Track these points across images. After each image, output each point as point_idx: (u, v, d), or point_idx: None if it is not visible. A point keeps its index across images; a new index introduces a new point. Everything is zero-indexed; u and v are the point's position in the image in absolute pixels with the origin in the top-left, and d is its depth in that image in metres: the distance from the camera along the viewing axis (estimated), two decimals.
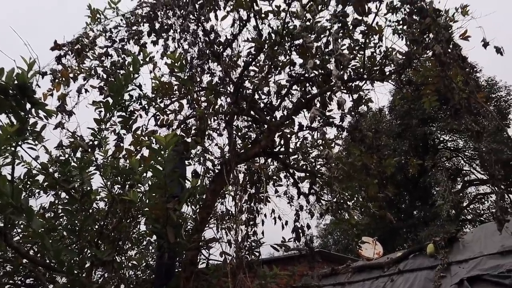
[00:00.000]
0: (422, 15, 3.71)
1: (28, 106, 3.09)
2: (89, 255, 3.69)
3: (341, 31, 4.04)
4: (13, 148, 3.11)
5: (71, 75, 4.41)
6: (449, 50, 3.65)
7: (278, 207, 5.56)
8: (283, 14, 4.61)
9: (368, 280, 7.38)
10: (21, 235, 4.08)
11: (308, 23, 3.96)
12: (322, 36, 4.12)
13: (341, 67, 3.40)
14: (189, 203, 3.91)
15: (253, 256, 4.41)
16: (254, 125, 5.50)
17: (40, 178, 3.81)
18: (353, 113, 4.70)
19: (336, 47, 3.03)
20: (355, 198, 5.65)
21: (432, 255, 6.25)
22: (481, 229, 6.18)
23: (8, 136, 2.79)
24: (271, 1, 4.49)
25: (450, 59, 3.67)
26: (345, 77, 4.76)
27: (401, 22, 4.39)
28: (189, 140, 4.64)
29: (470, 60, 4.01)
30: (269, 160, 5.66)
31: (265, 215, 5.23)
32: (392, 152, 18.98)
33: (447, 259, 5.85)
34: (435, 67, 4.52)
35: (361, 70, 4.80)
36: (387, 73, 4.91)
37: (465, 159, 23.84)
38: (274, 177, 5.83)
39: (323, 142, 5.30)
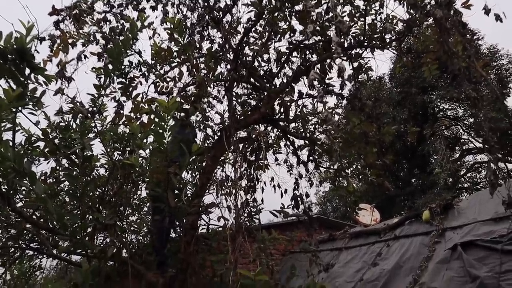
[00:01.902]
0: None
1: (27, 71, 3.08)
2: (91, 219, 3.77)
3: None
4: (13, 114, 3.13)
5: (69, 40, 4.36)
6: (450, 15, 3.59)
7: (278, 175, 5.62)
8: None
9: (365, 246, 7.51)
10: (23, 200, 4.14)
11: None
12: (322, 1, 4.06)
13: (341, 34, 3.36)
14: (189, 169, 3.96)
15: (252, 222, 4.49)
16: (254, 92, 5.48)
17: (41, 144, 3.83)
18: (353, 81, 4.68)
19: (335, 13, 2.99)
20: (353, 166, 5.70)
21: (428, 221, 6.34)
22: (476, 196, 6.25)
23: (8, 102, 2.79)
24: None
25: (451, 25, 3.62)
26: (345, 45, 4.72)
27: None
28: (188, 107, 4.64)
29: (472, 28, 3.96)
30: (269, 128, 5.68)
31: (264, 183, 5.29)
32: (391, 120, 18.99)
33: (442, 225, 5.94)
34: (435, 34, 4.46)
35: (362, 37, 4.75)
36: (388, 41, 4.85)
37: (464, 128, 23.85)
38: (274, 145, 5.86)
39: (323, 109, 5.28)
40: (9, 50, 2.87)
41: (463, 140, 24.36)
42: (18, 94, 2.81)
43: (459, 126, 24.12)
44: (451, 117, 23.86)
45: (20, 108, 3.19)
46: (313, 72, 2.50)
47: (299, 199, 4.98)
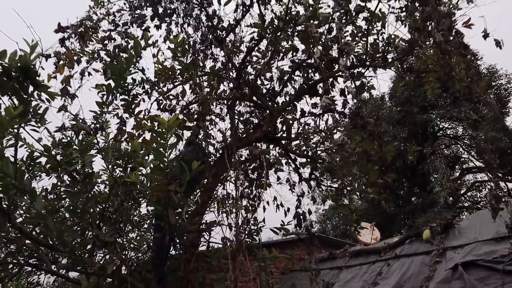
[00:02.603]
0: (423, 2, 3.70)
1: (30, 88, 3.10)
2: (91, 236, 3.75)
3: (344, 17, 4.03)
4: (16, 130, 3.14)
5: (74, 57, 4.41)
6: (451, 38, 3.64)
7: (280, 195, 5.59)
8: (285, 0, 4.59)
9: (365, 265, 7.46)
10: (23, 216, 4.13)
11: (311, 8, 3.95)
12: (324, 24, 4.11)
13: (345, 55, 3.41)
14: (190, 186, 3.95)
15: (252, 240, 4.47)
16: (256, 110, 5.51)
17: (43, 160, 3.84)
18: (355, 99, 4.72)
19: (341, 35, 3.04)
20: (355, 184, 5.70)
21: (428, 240, 6.32)
22: (477, 216, 6.24)
23: (11, 118, 2.81)
24: None
25: (452, 47, 3.67)
26: (348, 64, 4.77)
27: (404, 9, 4.37)
28: (191, 125, 4.66)
29: (471, 48, 4.00)
30: (271, 146, 5.69)
31: (267, 203, 5.26)
32: (391, 138, 19.01)
33: (442, 244, 5.92)
34: (436, 54, 4.51)
35: (364, 57, 4.80)
36: (390, 60, 4.91)
37: (464, 147, 23.86)
38: (276, 163, 5.85)
39: (326, 128, 5.32)
40: (13, 68, 2.89)
41: (463, 159, 24.34)
42: (21, 112, 2.82)
43: (459, 145, 24.15)
44: (451, 136, 23.90)
45: (22, 125, 3.20)
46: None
47: (301, 217, 4.96)
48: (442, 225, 6.28)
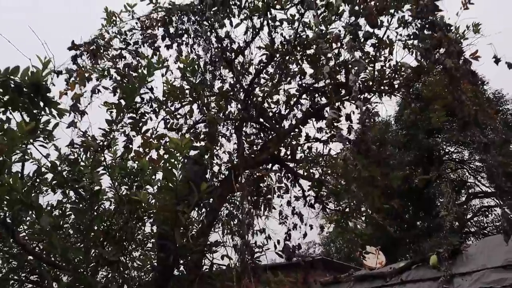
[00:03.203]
0: (433, 29, 3.73)
1: (41, 104, 3.14)
2: (94, 254, 3.72)
3: (353, 42, 4.07)
4: (24, 146, 3.16)
5: (85, 75, 4.47)
6: (460, 65, 3.66)
7: (269, 228, 5.46)
8: (295, 24, 4.64)
9: None
10: (27, 232, 4.11)
11: (322, 30, 4.00)
12: (334, 46, 4.16)
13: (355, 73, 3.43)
14: (196, 207, 3.93)
15: (257, 262, 4.42)
16: (262, 132, 5.52)
17: (49, 176, 3.84)
18: (360, 124, 4.72)
19: (352, 54, 3.06)
20: (360, 208, 5.65)
21: (435, 266, 6.23)
22: (485, 242, 6.17)
23: (21, 134, 2.83)
24: (286, 10, 4.52)
25: (460, 74, 3.69)
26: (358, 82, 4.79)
27: (412, 37, 4.41)
28: (198, 144, 4.67)
29: (478, 74, 4.02)
30: (275, 167, 5.67)
31: (256, 232, 5.14)
32: (397, 162, 18.91)
33: (450, 271, 5.83)
34: (443, 81, 4.54)
35: (371, 82, 4.83)
36: (396, 87, 4.94)
37: (470, 171, 23.68)
38: (281, 185, 5.81)
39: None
40: (25, 84, 2.93)
41: (469, 184, 24.12)
42: (30, 127, 2.85)
43: (465, 169, 23.97)
44: (457, 160, 23.75)
45: (31, 141, 3.22)
46: (331, 112, 2.53)
47: (291, 250, 4.89)
48: (449, 251, 6.19)
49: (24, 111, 3.07)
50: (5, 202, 3.03)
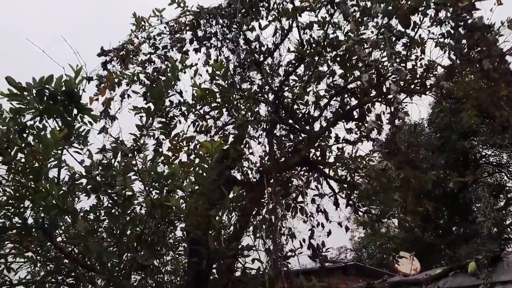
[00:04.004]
0: (470, 30, 3.60)
1: (74, 111, 3.21)
2: (128, 258, 3.76)
3: (384, 43, 3.99)
4: (59, 152, 3.23)
5: (115, 80, 4.55)
6: (498, 66, 3.53)
7: (294, 227, 5.39)
8: (325, 25, 4.59)
9: None
10: (63, 236, 4.20)
11: (352, 34, 3.94)
12: (371, 49, 4.09)
13: (383, 78, 3.35)
14: (228, 211, 3.92)
15: (288, 266, 4.36)
16: (292, 134, 5.47)
17: (83, 181, 3.91)
18: (389, 125, 4.62)
19: (392, 61, 3.00)
20: (393, 212, 5.52)
21: (474, 273, 6.01)
22: None
23: (56, 141, 2.89)
24: (317, 12, 4.47)
25: (499, 75, 3.56)
26: (384, 89, 4.71)
27: (445, 35, 4.28)
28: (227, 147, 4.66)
29: None
30: (305, 169, 5.61)
31: (283, 234, 5.11)
32: (430, 166, 18.44)
33: (490, 279, 5.61)
34: (477, 81, 4.40)
35: (401, 82, 4.71)
36: (428, 86, 4.81)
37: (509, 175, 22.83)
38: (312, 188, 5.74)
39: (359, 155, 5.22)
40: (59, 92, 3.00)
41: (508, 188, 23.25)
42: (65, 134, 2.91)
43: (503, 173, 23.12)
44: (495, 163, 22.95)
45: (66, 147, 3.29)
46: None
47: (315, 248, 4.81)
48: (489, 258, 5.96)
49: (59, 118, 3.15)
50: (42, 207, 3.11)
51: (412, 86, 4.95)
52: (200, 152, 2.93)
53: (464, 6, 3.56)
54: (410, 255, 9.38)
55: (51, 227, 3.29)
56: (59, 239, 3.96)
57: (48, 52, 3.62)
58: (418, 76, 4.91)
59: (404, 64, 4.64)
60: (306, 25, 4.64)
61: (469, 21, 3.60)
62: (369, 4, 4.18)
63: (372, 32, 4.29)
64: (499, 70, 3.54)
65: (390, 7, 3.94)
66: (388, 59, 3.45)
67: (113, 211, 3.62)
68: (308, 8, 4.48)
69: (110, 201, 3.61)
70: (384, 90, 4.71)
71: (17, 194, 3.23)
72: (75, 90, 3.08)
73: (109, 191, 3.47)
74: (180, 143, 4.60)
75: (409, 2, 3.94)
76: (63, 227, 3.89)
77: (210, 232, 3.14)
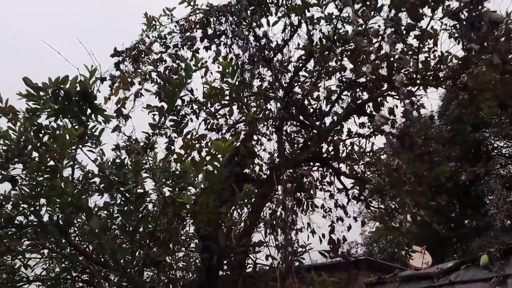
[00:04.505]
0: (479, 23, 3.55)
1: (88, 111, 3.26)
2: (140, 255, 3.82)
3: (394, 35, 3.96)
4: (74, 151, 3.28)
5: (128, 80, 4.60)
6: (509, 59, 3.49)
7: (313, 222, 5.45)
8: (334, 21, 4.58)
9: None
10: (77, 233, 4.28)
11: (360, 28, 3.92)
12: (374, 40, 4.06)
13: (395, 71, 3.34)
14: (238, 207, 3.95)
15: (299, 262, 4.39)
16: (303, 130, 5.48)
17: (96, 180, 3.97)
18: (405, 118, 4.59)
19: (394, 50, 2.98)
20: (405, 206, 5.50)
21: (486, 266, 5.96)
22: None
23: (71, 140, 2.94)
24: (324, 7, 4.46)
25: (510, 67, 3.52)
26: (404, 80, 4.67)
27: (458, 27, 4.23)
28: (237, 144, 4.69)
29: None
30: (317, 166, 5.62)
31: (300, 229, 5.18)
32: (442, 158, 18.30)
33: (503, 271, 5.57)
34: (492, 73, 4.34)
35: (414, 75, 4.68)
36: (442, 78, 4.76)
37: None
38: (321, 185, 5.75)
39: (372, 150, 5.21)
40: (73, 93, 3.05)
41: None
42: (80, 133, 2.96)
43: None
44: (507, 155, 22.68)
45: (80, 146, 3.35)
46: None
47: (336, 243, 4.84)
48: (501, 250, 5.90)
49: (73, 118, 3.20)
50: (58, 205, 3.17)
51: (426, 78, 4.91)
52: (212, 150, 2.95)
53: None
54: (421, 249, 9.35)
55: (66, 224, 3.36)
56: (73, 236, 4.05)
57: (64, 53, 3.67)
58: (431, 68, 4.86)
59: (416, 57, 4.61)
60: (313, 21, 4.62)
61: (477, 14, 3.53)
62: None
63: (379, 26, 4.25)
64: (509, 63, 3.50)
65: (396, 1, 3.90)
66: (390, 46, 3.41)
67: (125, 208, 3.67)
68: (316, 3, 4.46)
69: (123, 199, 3.67)
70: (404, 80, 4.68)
71: (33, 193, 3.31)
72: (90, 90, 3.14)
73: (122, 189, 3.52)
74: (192, 141, 4.63)
75: None
76: (77, 225, 3.97)
77: (220, 228, 3.17)
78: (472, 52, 3.89)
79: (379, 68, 4.40)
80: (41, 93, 2.96)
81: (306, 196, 5.03)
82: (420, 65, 4.63)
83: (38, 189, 3.25)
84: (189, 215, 4.18)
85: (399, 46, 4.54)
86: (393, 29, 3.97)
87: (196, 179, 3.62)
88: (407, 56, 4.60)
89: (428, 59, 4.75)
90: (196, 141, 4.74)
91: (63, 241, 3.74)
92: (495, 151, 22.63)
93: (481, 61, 4.49)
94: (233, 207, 3.31)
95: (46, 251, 4.20)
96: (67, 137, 2.88)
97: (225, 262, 4.62)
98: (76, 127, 3.15)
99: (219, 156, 2.88)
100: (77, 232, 4.23)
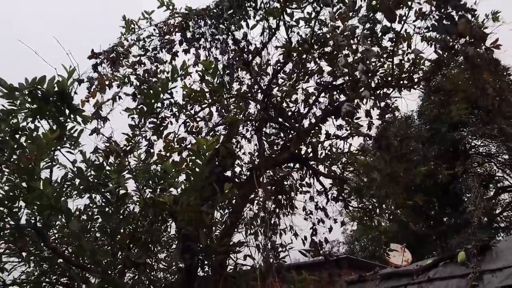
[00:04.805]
0: (453, 20, 3.65)
1: (67, 112, 3.24)
2: (121, 256, 3.81)
3: (370, 38, 4.05)
4: (52, 153, 3.26)
5: (106, 82, 4.58)
6: (482, 53, 3.58)
7: (295, 225, 5.52)
8: (311, 23, 4.65)
9: None
10: (57, 236, 4.24)
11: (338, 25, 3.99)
12: (352, 41, 4.13)
13: (368, 73, 3.40)
14: (219, 207, 3.98)
15: (279, 261, 4.44)
16: (282, 132, 5.55)
17: (76, 182, 3.94)
18: (380, 120, 4.69)
19: (365, 44, 3.05)
20: (383, 206, 5.61)
21: (464, 263, 6.10)
22: None
23: (48, 141, 2.93)
24: (302, 8, 4.53)
25: (483, 62, 3.61)
26: (373, 85, 4.76)
27: (430, 29, 4.35)
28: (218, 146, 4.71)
29: (503, 63, 3.93)
30: (297, 167, 5.69)
31: (283, 231, 5.23)
32: (421, 158, 18.59)
33: (479, 267, 5.71)
34: (465, 73, 4.46)
35: (389, 77, 4.79)
36: (416, 80, 4.88)
37: (498, 165, 23.05)
38: (301, 186, 5.82)
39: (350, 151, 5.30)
40: (51, 93, 3.03)
41: (497, 178, 23.50)
42: (58, 135, 2.94)
43: (492, 163, 23.34)
44: (484, 154, 23.16)
45: (58, 147, 3.33)
46: (347, 105, 2.54)
47: (318, 245, 4.92)
48: (478, 247, 6.06)
49: (51, 119, 3.18)
50: (36, 207, 3.15)
51: (400, 81, 5.01)
52: (194, 148, 2.96)
53: None
54: (401, 247, 9.49)
55: (44, 227, 3.33)
56: (53, 238, 4.01)
57: (39, 53, 3.64)
58: (405, 70, 4.97)
59: (391, 59, 4.71)
60: (291, 21, 4.68)
61: (450, 11, 3.62)
62: None
63: (357, 26, 4.34)
64: (482, 57, 3.59)
65: (374, 2, 4.00)
66: (362, 42, 3.48)
67: (106, 210, 3.66)
68: (294, 5, 4.52)
69: (104, 200, 3.66)
70: (373, 85, 4.78)
71: (11, 195, 3.27)
72: (68, 91, 3.12)
73: (102, 190, 3.52)
74: (172, 143, 4.64)
75: None
76: (57, 227, 3.93)
77: (201, 228, 3.20)
78: (444, 52, 4.00)
79: (355, 70, 4.48)
80: (17, 94, 2.92)
81: (286, 198, 5.08)
82: (395, 68, 4.73)
83: (16, 191, 3.21)
84: (170, 216, 4.19)
85: (375, 49, 4.64)
86: (369, 31, 4.06)
87: (177, 179, 3.63)
88: (381, 59, 4.71)
89: (403, 61, 4.86)
90: (177, 144, 4.75)
91: (42, 243, 3.71)
92: (473, 149, 23.09)
93: (454, 63, 4.62)
94: (215, 207, 3.33)
95: (24, 254, 4.14)
96: (45, 138, 2.86)
97: (206, 262, 4.65)
98: (54, 128, 3.13)
99: (201, 154, 2.90)
100: (56, 234, 4.19)
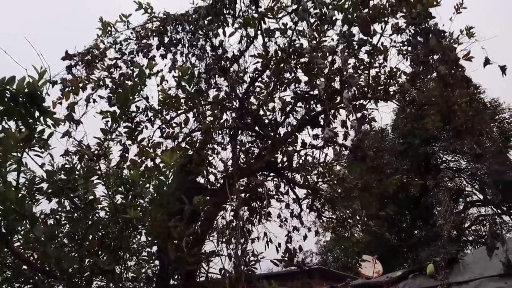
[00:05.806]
0: (426, 36, 3.74)
1: (37, 114, 3.15)
2: (89, 263, 3.71)
3: (347, 50, 4.10)
4: (19, 155, 3.16)
5: (80, 84, 4.48)
6: (453, 71, 3.67)
7: (270, 232, 5.51)
8: (289, 32, 4.69)
9: None
10: (21, 241, 4.09)
11: (314, 42, 4.03)
12: (329, 55, 4.18)
13: (348, 87, 3.45)
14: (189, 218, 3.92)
15: (252, 271, 4.40)
16: (258, 140, 5.54)
17: (44, 185, 3.83)
18: (356, 131, 4.75)
19: (345, 67, 3.09)
20: (356, 216, 5.65)
21: (432, 275, 6.20)
22: (482, 251, 6.14)
23: (15, 143, 2.83)
24: (278, 20, 4.56)
25: (454, 80, 3.70)
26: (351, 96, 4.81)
27: (405, 43, 4.44)
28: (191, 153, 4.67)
29: (474, 82, 4.03)
30: (272, 176, 5.68)
31: (257, 238, 5.22)
32: (394, 170, 18.91)
33: (447, 280, 5.80)
34: (438, 87, 4.56)
35: (366, 89, 4.86)
36: (391, 93, 4.97)
37: (467, 180, 23.68)
38: (276, 194, 5.82)
39: (326, 161, 5.33)
40: (20, 94, 2.94)
41: (466, 192, 24.12)
42: (25, 136, 2.85)
43: (462, 178, 23.97)
44: (454, 168, 23.77)
45: (26, 150, 3.22)
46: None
47: (292, 252, 4.92)
48: (446, 260, 6.17)
49: (20, 120, 3.08)
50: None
51: (376, 93, 5.09)
52: (160, 164, 2.93)
53: (418, 14, 3.68)
54: (373, 258, 9.58)
55: (8, 232, 3.21)
56: (17, 244, 3.87)
57: (10, 53, 3.53)
58: (381, 83, 5.05)
59: (367, 71, 4.79)
60: (268, 32, 4.71)
61: (424, 27, 3.72)
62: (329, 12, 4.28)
63: (332, 39, 4.40)
64: (454, 76, 3.68)
65: (349, 16, 4.06)
66: (342, 64, 3.54)
67: (74, 215, 3.56)
68: (270, 16, 4.55)
69: (72, 205, 3.56)
70: (351, 97, 4.82)
71: None
72: (38, 92, 3.03)
73: (71, 195, 3.42)
74: (147, 149, 4.57)
75: (370, 12, 4.05)
76: (22, 232, 3.80)
77: (170, 241, 3.15)
78: (417, 66, 4.09)
79: (332, 81, 4.53)
80: None
81: (260, 206, 5.07)
82: (371, 80, 4.81)
83: None
84: (140, 224, 4.11)
85: (352, 61, 4.71)
86: (346, 44, 4.11)
87: (145, 188, 3.56)
88: (358, 71, 4.78)
89: (379, 74, 4.94)
90: (151, 149, 4.68)
91: (5, 250, 3.57)
92: (444, 164, 23.67)
93: (429, 77, 4.72)
94: (183, 219, 3.27)
95: None
96: (12, 140, 2.77)
97: (176, 271, 4.57)
98: (23, 130, 3.04)
99: (167, 171, 2.87)
100: (20, 240, 4.05)
